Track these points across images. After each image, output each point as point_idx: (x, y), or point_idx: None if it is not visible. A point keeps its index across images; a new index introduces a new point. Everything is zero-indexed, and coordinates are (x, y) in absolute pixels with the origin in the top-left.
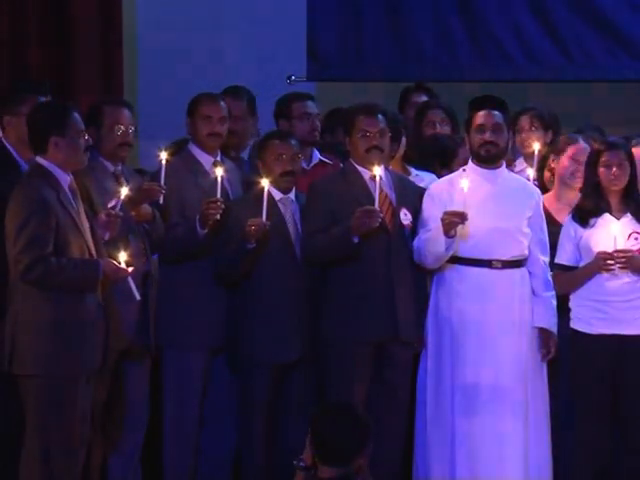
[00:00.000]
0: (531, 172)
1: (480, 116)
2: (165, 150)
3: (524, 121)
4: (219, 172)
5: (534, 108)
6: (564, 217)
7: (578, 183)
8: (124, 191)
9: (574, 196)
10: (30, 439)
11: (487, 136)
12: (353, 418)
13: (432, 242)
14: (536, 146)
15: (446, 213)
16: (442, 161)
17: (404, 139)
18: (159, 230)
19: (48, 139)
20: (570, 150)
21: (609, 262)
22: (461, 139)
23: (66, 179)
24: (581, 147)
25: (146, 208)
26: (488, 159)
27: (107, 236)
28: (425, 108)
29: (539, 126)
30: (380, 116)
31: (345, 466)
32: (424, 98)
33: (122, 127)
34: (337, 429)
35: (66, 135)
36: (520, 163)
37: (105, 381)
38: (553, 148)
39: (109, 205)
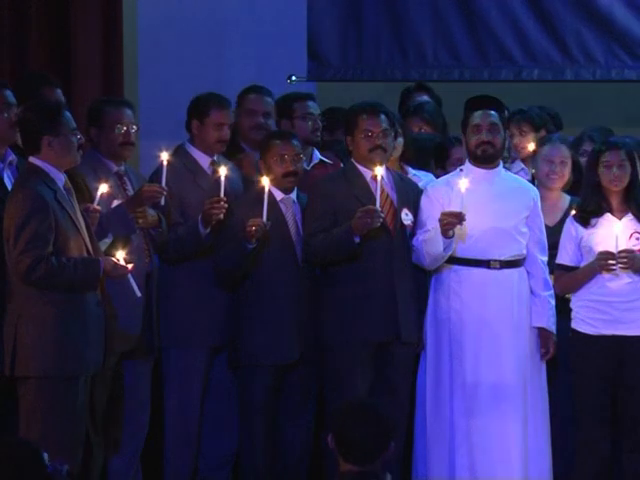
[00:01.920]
0: (532, 171)
1: (476, 116)
2: (166, 151)
3: (512, 127)
4: (223, 171)
5: (521, 111)
6: (550, 219)
7: (556, 183)
8: (103, 187)
9: (557, 196)
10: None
11: (483, 136)
12: (377, 417)
13: (430, 243)
14: (531, 146)
15: (444, 214)
16: (436, 161)
17: (401, 139)
18: (165, 236)
19: (41, 139)
20: (542, 151)
21: (610, 262)
22: (456, 139)
23: (61, 178)
24: (552, 148)
25: (152, 214)
26: (485, 159)
27: None
28: (404, 116)
29: (529, 129)
30: (383, 116)
31: (368, 464)
32: (425, 98)
33: (123, 127)
34: (362, 429)
35: (59, 134)
36: (518, 164)
37: (106, 381)
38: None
39: (112, 206)
